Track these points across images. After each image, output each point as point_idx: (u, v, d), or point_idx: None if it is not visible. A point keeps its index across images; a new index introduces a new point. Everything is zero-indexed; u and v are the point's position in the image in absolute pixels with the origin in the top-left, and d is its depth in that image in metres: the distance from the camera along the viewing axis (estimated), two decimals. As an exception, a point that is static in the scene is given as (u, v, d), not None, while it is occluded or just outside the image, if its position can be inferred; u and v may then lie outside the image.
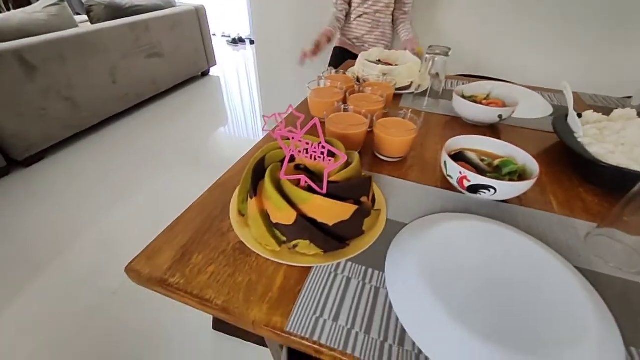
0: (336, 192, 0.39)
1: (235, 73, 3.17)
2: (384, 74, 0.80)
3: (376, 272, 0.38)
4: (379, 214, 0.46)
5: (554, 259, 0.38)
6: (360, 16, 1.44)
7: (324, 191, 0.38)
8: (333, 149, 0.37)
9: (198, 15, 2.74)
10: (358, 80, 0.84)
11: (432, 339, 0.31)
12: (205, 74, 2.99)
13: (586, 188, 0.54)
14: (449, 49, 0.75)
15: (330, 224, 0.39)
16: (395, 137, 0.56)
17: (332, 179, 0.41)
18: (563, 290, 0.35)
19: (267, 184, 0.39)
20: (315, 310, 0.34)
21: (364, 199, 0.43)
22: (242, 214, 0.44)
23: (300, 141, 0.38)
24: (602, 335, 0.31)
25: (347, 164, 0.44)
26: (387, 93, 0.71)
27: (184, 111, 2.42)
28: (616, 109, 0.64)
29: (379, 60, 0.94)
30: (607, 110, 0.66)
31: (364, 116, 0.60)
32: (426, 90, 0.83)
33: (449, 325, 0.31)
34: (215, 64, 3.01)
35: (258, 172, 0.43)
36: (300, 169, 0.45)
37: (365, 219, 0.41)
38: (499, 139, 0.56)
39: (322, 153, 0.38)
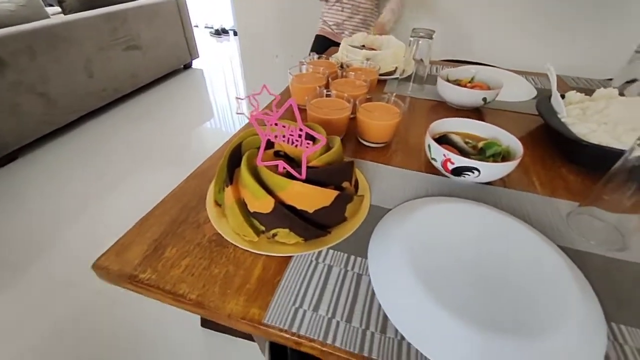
0: (316, 178, 0.38)
1: (219, 65, 3.09)
2: (367, 59, 0.78)
3: (359, 259, 0.37)
4: (362, 199, 0.44)
5: (538, 238, 0.37)
6: (338, 0, 1.40)
7: (303, 177, 0.37)
8: (312, 132, 0.36)
9: (178, 6, 2.64)
10: (342, 66, 0.82)
11: (415, 324, 0.30)
12: (187, 66, 2.91)
13: (568, 168, 0.54)
14: (433, 31, 0.73)
15: (311, 210, 0.37)
16: (379, 121, 0.54)
17: (312, 164, 0.39)
18: (548, 269, 0.34)
19: (244, 171, 0.37)
20: (295, 300, 0.32)
21: (345, 184, 0.41)
22: (218, 204, 0.42)
23: (276, 124, 0.36)
24: (585, 312, 0.31)
25: (328, 148, 0.42)
26: (370, 78, 0.70)
27: (166, 106, 2.35)
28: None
29: (363, 46, 0.92)
30: (589, 92, 0.66)
31: (346, 101, 0.58)
32: (411, 76, 0.81)
33: (432, 310, 0.30)
34: (198, 56, 2.93)
35: (234, 159, 0.41)
36: (279, 155, 0.43)
37: (348, 204, 0.40)
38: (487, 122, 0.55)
39: (300, 136, 0.36)
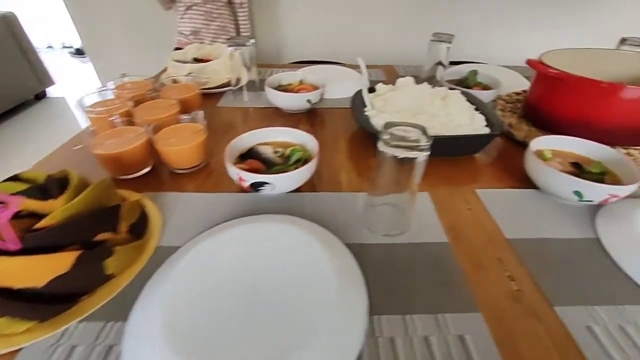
0: (43, 242, 0.31)
1: (86, 89, 2.66)
2: (189, 74, 0.72)
3: (118, 324, 0.31)
4: (140, 246, 0.39)
5: (317, 245, 0.37)
6: (189, 7, 1.32)
7: (15, 247, 0.29)
8: None
9: (9, 26, 2.18)
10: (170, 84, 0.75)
11: (155, 394, 0.26)
12: (40, 96, 2.44)
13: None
14: (249, 38, 0.72)
15: (41, 284, 0.30)
16: (177, 147, 0.49)
17: (43, 223, 0.32)
18: (316, 281, 0.34)
19: None
20: (1, 414, 0.25)
21: (104, 235, 0.35)
22: None
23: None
24: (340, 321, 0.30)
25: (77, 194, 0.35)
26: (188, 95, 0.64)
27: (16, 147, 1.93)
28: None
29: (196, 59, 0.86)
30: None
31: (142, 127, 0.51)
32: (246, 84, 0.78)
33: (173, 371, 0.26)
34: (54, 83, 2.48)
35: None
36: (21, 217, 0.34)
37: (106, 260, 0.34)
38: (314, 124, 0.54)
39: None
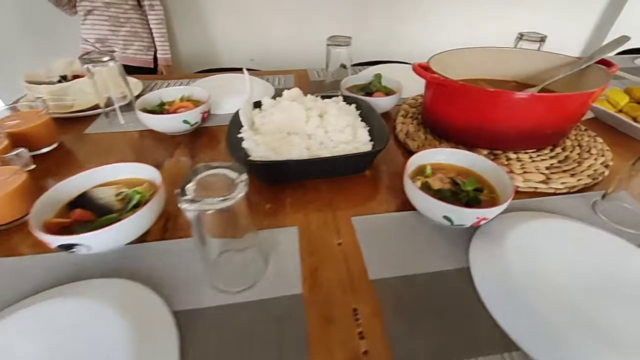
0: None
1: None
2: (38, 98, 0.60)
3: None
4: None
5: (120, 324, 0.29)
6: (90, 12, 1.16)
7: None
8: None
9: None
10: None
11: None
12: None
13: (258, 188, 0.49)
14: (112, 51, 0.62)
15: None
16: (-25, 201, 0.39)
17: None
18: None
19: None
20: None
21: None
22: None
23: None
24: None
25: None
26: (29, 125, 0.53)
27: None
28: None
29: (65, 77, 0.74)
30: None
31: None
32: (123, 105, 0.68)
33: None
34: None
35: None
36: None
37: None
38: (195, 146, 0.46)
39: None
